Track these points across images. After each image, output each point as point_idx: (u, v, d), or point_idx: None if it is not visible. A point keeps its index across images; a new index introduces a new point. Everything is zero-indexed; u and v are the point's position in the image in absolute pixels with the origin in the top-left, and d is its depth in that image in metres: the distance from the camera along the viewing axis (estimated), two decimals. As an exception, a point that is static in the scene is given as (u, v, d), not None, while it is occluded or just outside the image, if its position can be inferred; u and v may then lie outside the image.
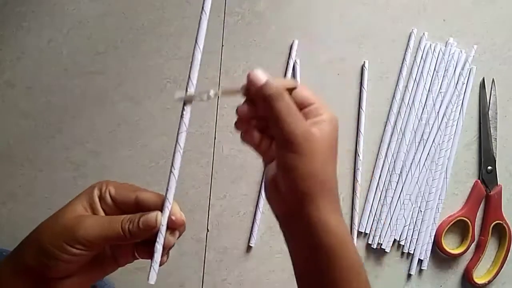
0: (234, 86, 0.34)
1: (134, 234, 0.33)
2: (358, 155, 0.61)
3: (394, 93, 0.63)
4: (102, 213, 0.34)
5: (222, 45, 0.59)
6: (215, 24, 0.58)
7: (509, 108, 0.66)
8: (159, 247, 0.33)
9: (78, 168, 0.56)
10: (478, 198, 0.64)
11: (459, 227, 0.65)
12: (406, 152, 0.62)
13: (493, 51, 0.65)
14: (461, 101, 0.64)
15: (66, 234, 0.32)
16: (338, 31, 0.61)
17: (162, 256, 0.33)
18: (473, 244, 0.65)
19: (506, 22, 0.66)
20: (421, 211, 0.63)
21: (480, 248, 0.65)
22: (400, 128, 0.62)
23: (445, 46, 0.63)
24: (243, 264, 0.60)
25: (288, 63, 0.60)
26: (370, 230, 0.62)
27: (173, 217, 0.34)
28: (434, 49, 0.63)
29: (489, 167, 0.65)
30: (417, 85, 0.63)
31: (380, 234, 0.62)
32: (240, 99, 0.34)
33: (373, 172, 0.62)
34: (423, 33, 0.63)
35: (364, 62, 0.62)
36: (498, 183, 0.65)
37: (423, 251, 0.63)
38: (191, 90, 0.34)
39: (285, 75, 0.60)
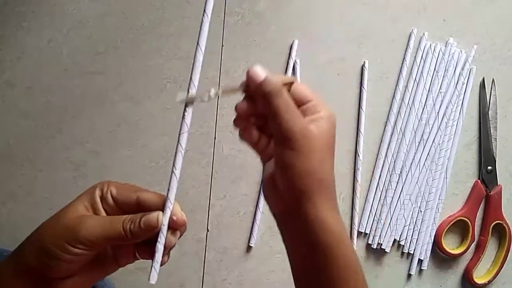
0: (233, 84, 0.34)
1: (136, 234, 0.33)
2: (358, 155, 0.61)
3: (394, 93, 0.63)
4: (103, 213, 0.34)
5: (222, 45, 0.59)
6: (215, 24, 0.58)
7: (509, 108, 0.66)
8: (160, 247, 0.33)
9: (78, 168, 0.56)
10: (478, 198, 0.64)
11: (459, 227, 0.65)
12: (406, 152, 0.62)
13: (493, 51, 0.65)
14: (461, 101, 0.64)
15: (67, 234, 0.32)
16: (338, 31, 0.61)
17: (163, 256, 0.33)
18: (473, 244, 0.65)
19: (506, 22, 0.66)
20: (421, 211, 0.63)
21: (480, 248, 0.65)
22: (400, 128, 0.62)
23: (445, 46, 0.63)
24: (243, 264, 0.60)
25: (288, 63, 0.60)
26: (370, 230, 0.62)
27: (174, 217, 0.34)
28: (434, 49, 0.63)
29: (489, 167, 0.65)
30: (417, 85, 0.63)
31: (380, 234, 0.62)
32: (240, 98, 0.34)
33: (373, 172, 0.62)
34: (423, 33, 0.63)
35: (364, 62, 0.62)
36: (498, 183, 0.65)
37: (423, 251, 0.63)
38: (193, 91, 0.34)
39: (285, 75, 0.60)
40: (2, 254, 0.47)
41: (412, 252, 0.63)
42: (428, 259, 0.63)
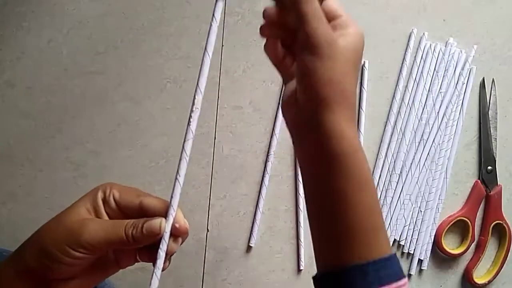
0: None
1: (138, 240, 0.33)
2: (358, 155, 0.61)
3: (394, 93, 0.63)
4: (105, 216, 0.34)
5: (222, 45, 0.59)
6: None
7: (509, 108, 0.66)
8: (162, 254, 0.33)
9: (78, 168, 0.56)
10: (478, 198, 0.64)
11: (459, 227, 0.65)
12: (406, 152, 0.62)
13: (493, 51, 0.65)
14: (461, 101, 0.64)
15: (69, 237, 0.32)
16: (338, 31, 0.61)
17: (164, 262, 0.34)
18: (473, 244, 0.65)
19: (506, 22, 0.66)
20: (421, 211, 0.63)
21: (480, 248, 0.65)
22: (400, 128, 0.62)
23: (445, 46, 0.63)
24: (243, 264, 0.60)
25: (288, 63, 0.60)
26: (370, 230, 0.62)
27: (177, 225, 0.34)
28: (434, 49, 0.63)
29: (489, 167, 0.65)
30: (417, 85, 0.63)
31: (380, 234, 0.62)
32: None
33: (373, 172, 0.62)
34: (423, 33, 0.63)
35: (364, 62, 0.62)
36: (498, 183, 0.65)
37: (423, 251, 0.63)
38: (199, 97, 0.34)
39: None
40: (2, 254, 0.47)
41: (412, 252, 0.63)
42: (428, 259, 0.63)
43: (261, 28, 0.35)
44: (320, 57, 0.31)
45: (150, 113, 0.57)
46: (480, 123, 0.65)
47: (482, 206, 0.65)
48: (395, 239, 0.63)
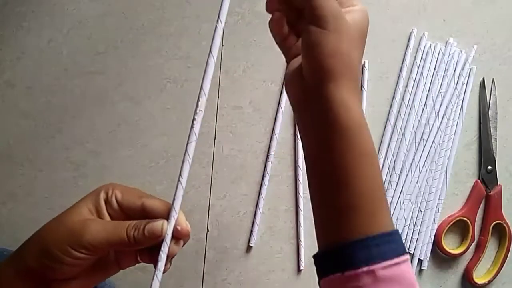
0: None
1: (139, 241, 0.32)
2: (358, 155, 0.61)
3: (394, 93, 0.63)
4: (107, 217, 0.34)
5: (222, 45, 0.59)
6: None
7: (509, 108, 0.66)
8: (163, 256, 0.33)
9: (78, 168, 0.56)
10: (478, 198, 0.64)
11: (459, 227, 0.65)
12: (406, 152, 0.62)
13: (493, 51, 0.65)
14: (461, 101, 0.64)
15: (71, 238, 0.32)
16: (338, 31, 0.61)
17: (165, 264, 0.34)
18: (473, 244, 0.65)
19: (506, 22, 0.66)
20: (421, 211, 0.63)
21: (480, 248, 0.65)
22: (400, 128, 0.62)
23: (445, 46, 0.63)
24: (243, 264, 0.60)
25: (288, 63, 0.60)
26: (370, 230, 0.62)
27: (178, 227, 0.34)
28: (434, 49, 0.63)
29: (489, 167, 0.65)
30: (417, 85, 0.63)
31: (380, 234, 0.62)
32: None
33: (373, 172, 0.62)
34: (423, 33, 0.63)
35: (364, 62, 0.62)
36: (498, 183, 0.65)
37: (423, 251, 0.63)
38: (203, 99, 0.34)
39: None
40: (2, 254, 0.47)
41: (412, 252, 0.63)
42: (428, 259, 0.63)
43: (267, 2, 0.35)
44: (327, 30, 0.32)
45: (150, 113, 0.57)
46: (480, 123, 0.65)
47: (482, 206, 0.65)
48: (395, 239, 0.63)
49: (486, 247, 0.65)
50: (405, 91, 0.63)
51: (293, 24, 0.37)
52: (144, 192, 0.36)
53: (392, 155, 0.62)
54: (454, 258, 0.65)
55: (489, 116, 0.65)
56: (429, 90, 0.63)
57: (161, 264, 0.33)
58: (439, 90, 0.63)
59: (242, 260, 0.60)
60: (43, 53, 0.56)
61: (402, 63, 0.63)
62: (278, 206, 0.60)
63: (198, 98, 0.34)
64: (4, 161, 0.55)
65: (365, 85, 0.61)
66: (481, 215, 0.65)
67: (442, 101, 0.63)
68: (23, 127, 0.55)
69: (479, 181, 0.65)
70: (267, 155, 0.59)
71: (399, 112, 0.62)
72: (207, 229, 0.59)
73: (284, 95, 0.59)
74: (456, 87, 0.63)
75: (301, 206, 0.60)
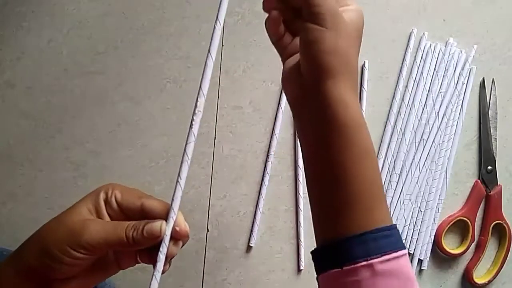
0: None
1: (138, 242, 0.33)
2: (358, 155, 0.61)
3: (394, 93, 0.63)
4: (107, 217, 0.34)
5: (222, 45, 0.59)
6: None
7: (509, 108, 0.66)
8: (162, 257, 0.33)
9: (78, 168, 0.56)
10: (478, 198, 0.64)
11: (459, 227, 0.65)
12: (406, 152, 0.62)
13: (493, 51, 0.65)
14: (461, 101, 0.64)
15: (70, 238, 0.32)
16: (338, 31, 0.61)
17: (164, 265, 0.34)
18: (473, 244, 0.65)
19: (506, 22, 0.66)
20: (421, 211, 0.63)
21: (480, 248, 0.65)
22: (400, 128, 0.62)
23: (445, 46, 0.63)
24: (243, 264, 0.60)
25: (288, 63, 0.60)
26: (370, 230, 0.62)
27: (177, 228, 0.34)
28: (434, 49, 0.63)
29: (489, 167, 0.65)
30: (417, 85, 0.63)
31: (380, 234, 0.62)
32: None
33: (373, 172, 0.62)
34: (423, 33, 0.63)
35: (364, 62, 0.62)
36: (498, 183, 0.65)
37: (423, 251, 0.63)
38: (202, 99, 0.34)
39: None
40: (2, 254, 0.47)
41: (412, 252, 0.63)
42: (428, 259, 0.63)
43: (264, 2, 0.36)
44: (325, 27, 0.32)
45: (150, 113, 0.57)
46: (480, 123, 0.65)
47: (482, 206, 0.65)
48: (395, 239, 0.63)
49: (486, 247, 0.65)
50: (405, 91, 0.63)
51: (289, 23, 0.37)
52: (144, 192, 0.36)
53: (392, 155, 0.62)
54: (454, 258, 0.65)
55: (489, 116, 0.65)
56: (429, 90, 0.63)
57: (160, 265, 0.33)
58: (439, 90, 0.63)
59: (242, 260, 0.60)
60: (43, 53, 0.56)
61: (402, 63, 0.63)
62: (278, 206, 0.60)
63: (197, 99, 0.34)
64: (4, 161, 0.55)
65: (365, 85, 0.61)
66: (481, 215, 0.65)
67: (442, 101, 0.63)
68: (23, 127, 0.55)
69: (479, 181, 0.65)
70: (267, 155, 0.59)
71: (399, 112, 0.62)
72: (207, 229, 0.59)
73: (284, 95, 0.59)
74: (456, 87, 0.63)
75: (301, 206, 0.60)
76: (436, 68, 0.63)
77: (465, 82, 0.64)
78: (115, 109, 0.57)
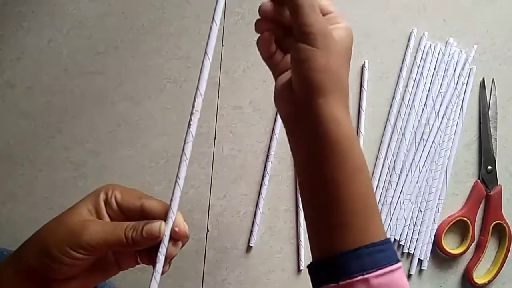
0: None
1: (137, 242, 0.33)
2: (358, 155, 0.61)
3: (394, 93, 0.63)
4: (107, 218, 0.34)
5: (222, 45, 0.59)
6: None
7: (509, 108, 0.66)
8: (161, 257, 0.33)
9: (78, 168, 0.56)
10: (478, 198, 0.64)
11: (459, 227, 0.65)
12: (406, 152, 0.62)
13: (493, 51, 0.65)
14: (461, 101, 0.64)
15: (70, 238, 0.32)
16: (338, 31, 0.61)
17: (164, 265, 0.34)
18: (473, 244, 0.65)
19: (506, 22, 0.66)
20: (421, 211, 0.63)
21: (480, 248, 0.65)
22: (400, 128, 0.62)
23: (445, 46, 0.63)
24: (243, 264, 0.60)
25: (288, 63, 0.60)
26: (370, 230, 0.62)
27: (176, 228, 0.34)
28: (434, 49, 0.63)
29: (489, 167, 0.65)
30: (417, 85, 0.63)
31: (380, 234, 0.62)
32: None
33: (373, 172, 0.62)
34: (423, 33, 0.63)
35: (364, 62, 0.62)
36: (498, 183, 0.65)
37: (423, 251, 0.63)
38: (199, 99, 0.34)
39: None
40: (2, 254, 0.47)
41: (412, 252, 0.63)
42: (428, 259, 0.63)
43: (256, 23, 0.36)
44: (316, 47, 0.32)
45: (150, 113, 0.57)
46: (480, 123, 0.65)
47: (482, 206, 0.65)
48: (395, 239, 0.63)
49: (486, 247, 0.65)
50: (405, 91, 0.63)
51: (280, 41, 0.37)
52: (143, 193, 0.36)
53: (392, 155, 0.62)
54: (454, 258, 0.65)
55: (489, 116, 0.65)
56: (429, 90, 0.63)
57: (159, 265, 0.33)
58: (439, 90, 0.63)
59: (242, 260, 0.60)
60: (43, 53, 0.56)
61: (402, 63, 0.63)
62: (278, 206, 0.60)
63: (194, 99, 0.34)
64: (4, 161, 0.55)
65: (365, 85, 0.61)
66: (481, 215, 0.65)
67: (442, 101, 0.63)
68: (23, 127, 0.55)
69: (479, 181, 0.65)
70: (267, 155, 0.59)
71: (399, 112, 0.62)
72: (207, 229, 0.59)
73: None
74: (456, 87, 0.63)
75: (301, 206, 0.60)
76: (436, 68, 0.63)
77: (465, 82, 0.64)
78: (115, 109, 0.57)
